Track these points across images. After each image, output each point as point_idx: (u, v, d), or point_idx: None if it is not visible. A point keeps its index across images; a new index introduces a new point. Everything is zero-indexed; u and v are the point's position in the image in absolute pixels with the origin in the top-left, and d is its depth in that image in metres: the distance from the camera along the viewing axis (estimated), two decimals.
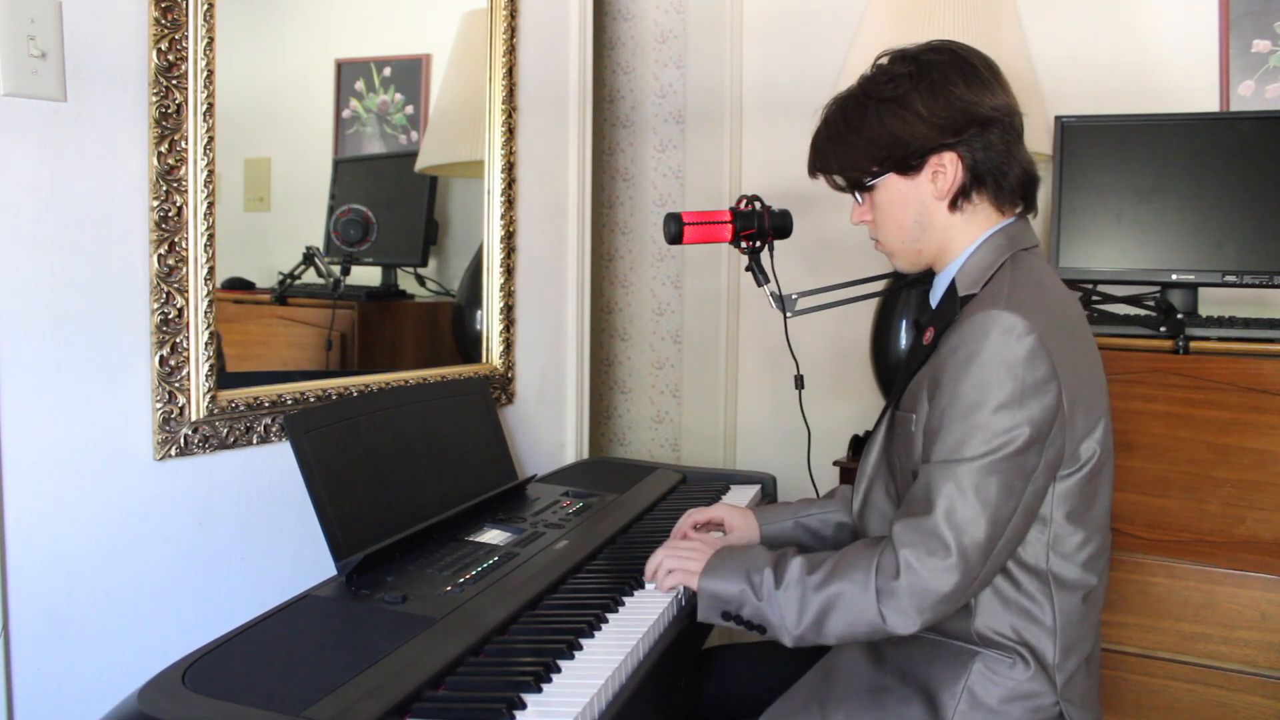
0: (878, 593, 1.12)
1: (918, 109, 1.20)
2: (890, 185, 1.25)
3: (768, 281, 1.65)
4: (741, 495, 1.88)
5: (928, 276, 1.33)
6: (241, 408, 1.39)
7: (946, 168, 1.22)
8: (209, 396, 1.34)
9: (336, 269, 1.79)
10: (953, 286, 1.24)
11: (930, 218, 1.25)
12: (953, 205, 1.24)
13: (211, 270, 1.33)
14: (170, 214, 1.29)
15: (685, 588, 1.32)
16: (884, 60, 1.26)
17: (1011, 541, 1.13)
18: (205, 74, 1.30)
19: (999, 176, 1.22)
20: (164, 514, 1.32)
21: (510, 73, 1.96)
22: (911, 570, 1.10)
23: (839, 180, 1.31)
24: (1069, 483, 1.17)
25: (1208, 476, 1.73)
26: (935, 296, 1.29)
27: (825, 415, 2.37)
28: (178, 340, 1.30)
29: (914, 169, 1.23)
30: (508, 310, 2.01)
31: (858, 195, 1.30)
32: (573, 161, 2.22)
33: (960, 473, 1.10)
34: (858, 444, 2.30)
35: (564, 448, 2.25)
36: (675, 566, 1.32)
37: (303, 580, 1.32)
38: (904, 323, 2.18)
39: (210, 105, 1.31)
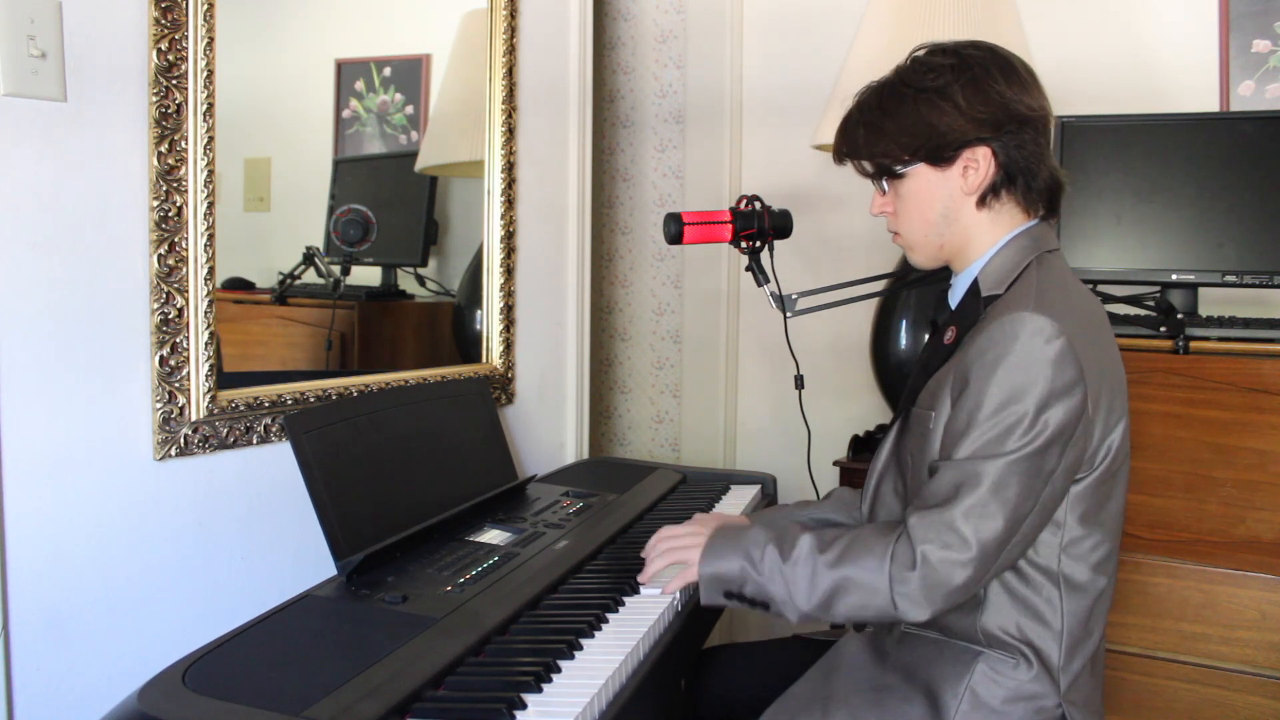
0: (891, 580, 1.12)
1: (957, 101, 1.19)
2: (920, 176, 1.24)
3: (768, 281, 1.65)
4: (741, 495, 1.88)
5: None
6: (241, 408, 1.39)
7: (979, 163, 1.21)
8: (209, 396, 1.34)
9: (336, 269, 1.79)
10: (975, 286, 1.24)
11: (956, 212, 1.24)
12: (981, 202, 1.23)
13: (211, 270, 1.33)
14: (170, 214, 1.29)
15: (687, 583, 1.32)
16: (921, 52, 1.26)
17: (1025, 539, 1.14)
18: (205, 74, 1.30)
19: (1029, 177, 1.22)
20: (164, 514, 1.32)
21: (510, 73, 1.96)
22: (928, 563, 1.10)
23: (867, 167, 1.29)
24: (1083, 485, 1.17)
25: (1208, 476, 1.73)
26: (955, 296, 1.29)
27: (825, 415, 2.37)
28: (178, 340, 1.30)
29: (946, 161, 1.22)
30: (508, 310, 2.01)
31: (884, 184, 1.29)
32: (573, 161, 2.22)
33: (982, 471, 1.10)
34: (858, 444, 2.30)
35: (564, 448, 2.25)
36: (675, 560, 1.31)
37: (303, 580, 1.32)
38: (904, 323, 2.18)
39: (210, 105, 1.31)
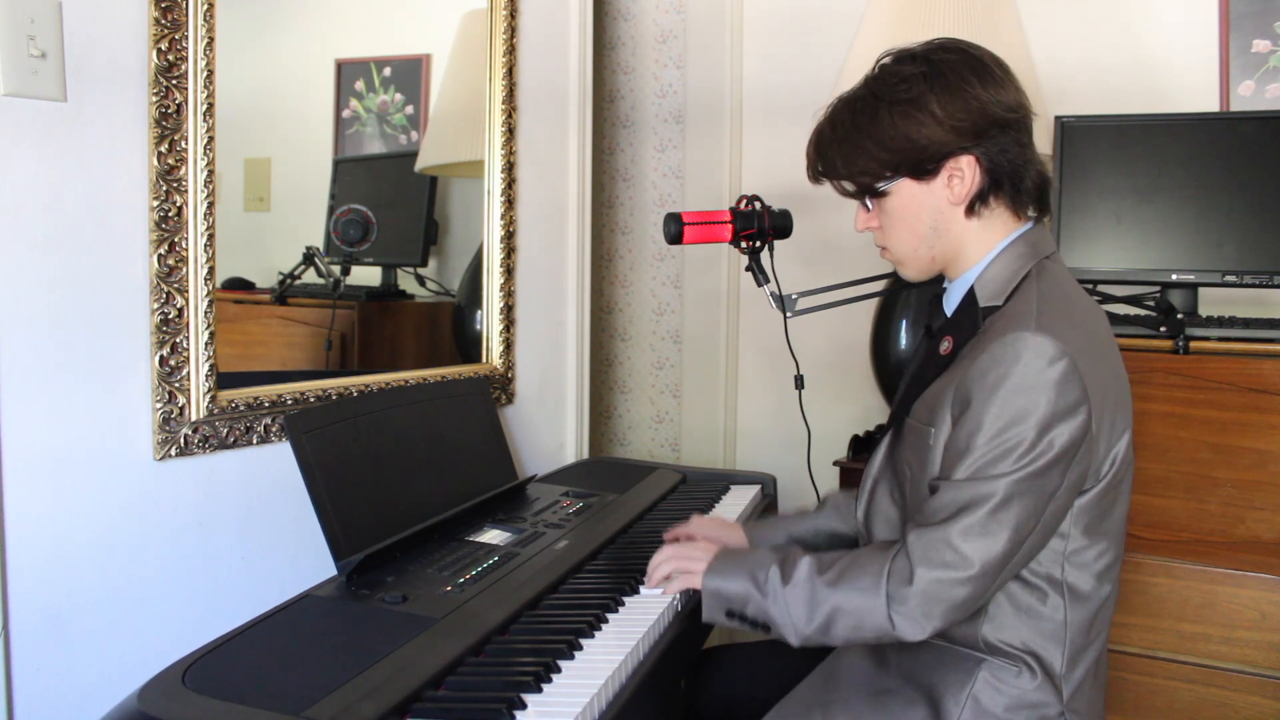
0: (888, 598, 1.11)
1: (934, 111, 1.16)
2: (903, 191, 1.21)
3: (768, 281, 1.65)
4: (741, 495, 1.88)
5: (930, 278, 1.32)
6: (241, 408, 1.39)
7: (964, 171, 1.18)
8: (209, 396, 1.34)
9: (336, 269, 1.79)
10: (971, 295, 1.21)
11: (946, 224, 1.21)
12: (969, 210, 1.20)
13: (211, 270, 1.33)
14: (170, 214, 1.29)
15: (688, 589, 1.32)
16: (888, 60, 1.22)
17: (1027, 556, 1.13)
18: (205, 74, 1.30)
19: (1017, 180, 1.19)
20: (164, 514, 1.32)
21: (510, 73, 1.96)
22: (925, 580, 1.09)
23: (847, 186, 1.26)
24: (1088, 498, 1.15)
25: (1208, 476, 1.73)
26: (950, 304, 1.26)
27: (825, 415, 2.37)
28: (178, 340, 1.30)
29: (929, 173, 1.19)
30: (508, 310, 2.01)
31: (867, 201, 1.26)
32: (573, 161, 2.22)
33: (984, 491, 1.09)
34: (858, 444, 2.30)
35: (564, 448, 2.25)
36: (679, 568, 1.31)
37: (303, 580, 1.32)
38: (904, 323, 2.18)
39: (210, 105, 1.31)
